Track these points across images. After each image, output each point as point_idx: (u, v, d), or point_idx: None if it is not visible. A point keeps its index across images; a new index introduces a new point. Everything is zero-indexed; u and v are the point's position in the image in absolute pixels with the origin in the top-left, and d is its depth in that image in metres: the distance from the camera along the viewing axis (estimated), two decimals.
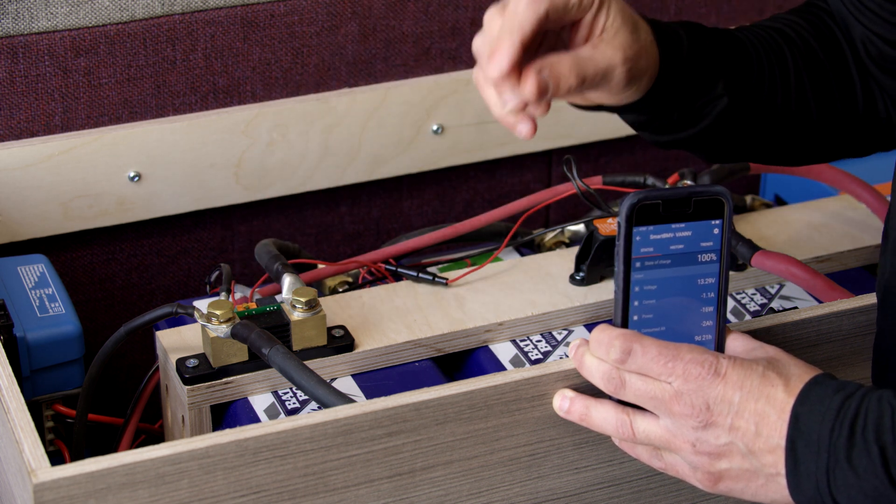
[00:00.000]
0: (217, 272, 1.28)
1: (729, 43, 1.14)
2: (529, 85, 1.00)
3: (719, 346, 1.04)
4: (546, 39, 1.05)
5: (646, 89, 1.09)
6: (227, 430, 0.98)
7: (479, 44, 1.03)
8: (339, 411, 1.00)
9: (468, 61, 1.58)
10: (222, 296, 1.23)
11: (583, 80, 1.02)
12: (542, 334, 1.26)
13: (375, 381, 1.21)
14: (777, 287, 1.33)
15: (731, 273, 1.31)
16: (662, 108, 1.11)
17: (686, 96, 1.12)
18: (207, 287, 1.34)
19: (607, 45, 1.04)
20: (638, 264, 1.00)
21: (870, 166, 1.41)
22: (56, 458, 1.25)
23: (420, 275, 1.29)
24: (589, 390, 1.04)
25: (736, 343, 1.04)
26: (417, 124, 1.55)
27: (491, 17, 1.03)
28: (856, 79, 1.17)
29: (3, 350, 1.10)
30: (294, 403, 1.18)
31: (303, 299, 1.18)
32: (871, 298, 1.12)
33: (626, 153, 1.70)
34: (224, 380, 1.18)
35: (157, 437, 1.31)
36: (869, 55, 1.15)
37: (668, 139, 1.16)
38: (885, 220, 1.09)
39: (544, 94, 1.00)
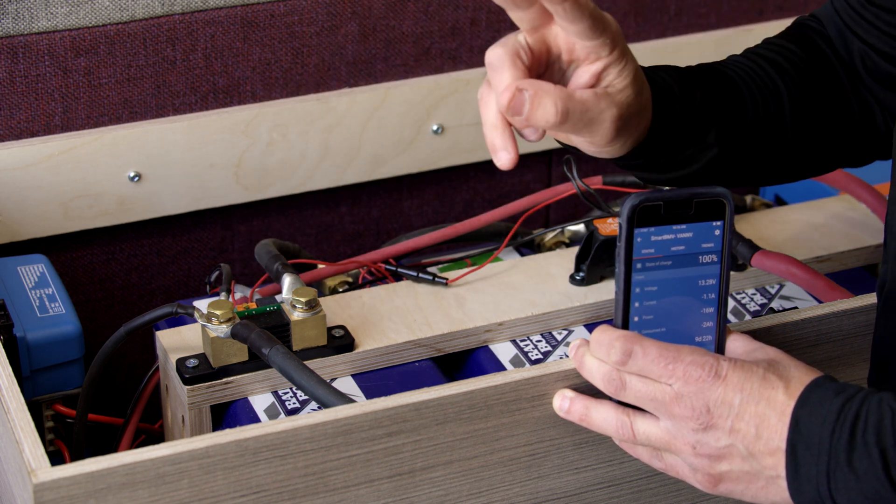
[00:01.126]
0: (217, 272, 1.28)
1: (720, 87, 1.10)
2: (503, 98, 0.94)
3: (720, 347, 1.04)
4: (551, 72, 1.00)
5: (632, 146, 1.05)
6: (227, 430, 0.98)
7: (494, 57, 0.96)
8: (339, 411, 1.00)
9: (468, 61, 1.58)
10: (222, 296, 1.23)
11: (565, 119, 0.95)
12: (542, 334, 1.26)
13: (375, 381, 1.21)
14: (777, 287, 1.33)
15: (731, 273, 1.31)
16: (648, 158, 1.08)
17: (674, 149, 1.08)
18: (207, 287, 1.34)
19: (607, 98, 0.98)
20: (639, 265, 0.99)
21: (870, 166, 1.41)
22: (56, 458, 1.25)
23: (420, 275, 1.29)
24: (589, 390, 1.04)
25: (736, 344, 1.04)
26: (417, 124, 1.55)
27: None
28: (851, 98, 1.16)
29: (3, 350, 1.10)
30: (294, 403, 1.18)
31: (303, 299, 1.18)
32: (871, 298, 1.12)
33: None
34: (224, 380, 1.18)
35: (157, 437, 1.31)
36: (867, 70, 1.14)
37: (653, 178, 1.13)
38: (885, 225, 1.09)
39: (517, 114, 0.94)
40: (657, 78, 1.06)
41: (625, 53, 0.99)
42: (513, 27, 1.00)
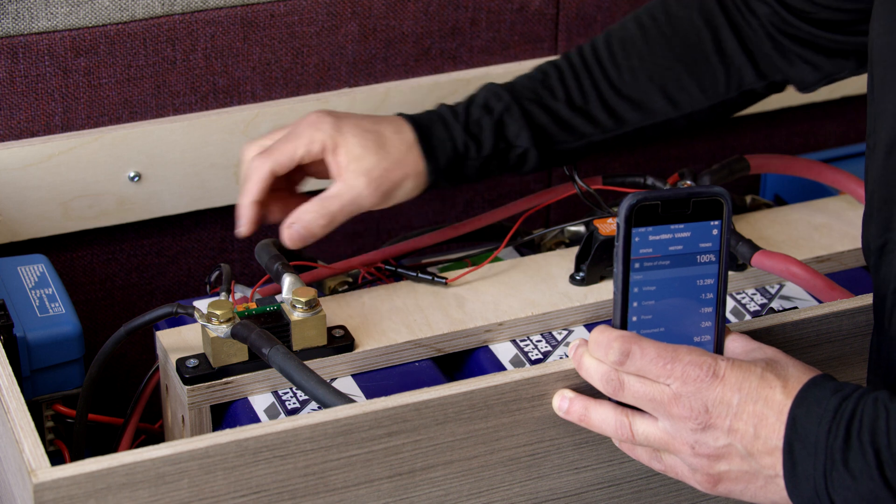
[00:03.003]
0: (217, 272, 1.28)
1: (536, 88, 1.28)
2: (287, 240, 1.20)
3: (718, 347, 1.04)
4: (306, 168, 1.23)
5: (433, 180, 1.24)
6: (227, 430, 0.98)
7: (250, 170, 1.21)
8: (339, 411, 1.00)
9: (468, 61, 1.58)
10: (222, 296, 1.23)
11: (332, 219, 1.20)
12: (542, 334, 1.26)
13: (375, 381, 1.21)
14: (777, 287, 1.33)
15: (731, 273, 1.31)
16: (463, 180, 1.27)
17: (485, 163, 1.27)
18: (207, 287, 1.34)
19: (351, 174, 1.20)
20: (637, 265, 1.00)
21: None
22: (56, 458, 1.25)
23: (420, 275, 1.29)
24: (588, 391, 1.04)
25: (735, 344, 1.04)
26: None
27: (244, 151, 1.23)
28: (716, 65, 1.28)
29: (3, 350, 1.10)
30: (294, 403, 1.18)
31: (303, 299, 1.19)
32: (870, 298, 1.12)
33: (626, 153, 1.70)
34: (224, 380, 1.18)
35: (157, 437, 1.32)
36: (778, 29, 1.25)
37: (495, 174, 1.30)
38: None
39: (303, 243, 1.20)
40: (434, 115, 1.27)
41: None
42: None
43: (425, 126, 1.25)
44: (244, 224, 1.21)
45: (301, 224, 1.20)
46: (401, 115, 1.26)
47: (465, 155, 1.25)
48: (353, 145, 1.21)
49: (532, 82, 1.30)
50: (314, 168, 1.25)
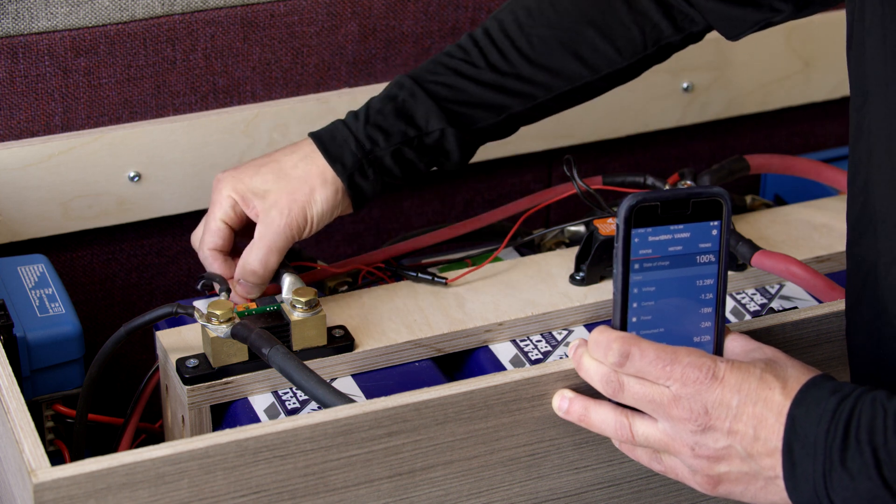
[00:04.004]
0: (202, 280, 1.27)
1: (439, 70, 1.26)
2: (240, 297, 1.23)
3: (718, 347, 1.04)
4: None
5: (349, 184, 1.24)
6: (227, 430, 0.98)
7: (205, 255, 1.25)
8: (339, 411, 1.00)
9: None
10: (222, 296, 1.23)
11: (265, 263, 1.21)
12: (542, 334, 1.26)
13: (375, 381, 1.21)
14: (777, 287, 1.33)
15: (731, 273, 1.31)
16: (391, 179, 1.27)
17: (400, 155, 1.25)
18: (206, 291, 1.34)
19: (264, 213, 1.22)
20: (636, 266, 0.99)
21: None
22: (56, 458, 1.25)
23: (420, 275, 1.29)
24: (588, 391, 1.04)
25: (735, 344, 1.04)
26: None
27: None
28: (630, 24, 1.26)
29: (3, 350, 1.10)
30: (294, 403, 1.18)
31: (303, 299, 1.19)
32: None
33: (626, 153, 1.70)
34: (224, 380, 1.18)
35: (157, 437, 1.32)
36: None
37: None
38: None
39: (257, 293, 1.23)
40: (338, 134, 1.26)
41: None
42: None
43: (326, 133, 1.25)
44: (235, 298, 1.24)
45: (243, 277, 1.22)
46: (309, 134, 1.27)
47: (373, 149, 1.24)
48: (256, 187, 1.22)
49: (435, 65, 1.27)
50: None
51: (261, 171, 1.23)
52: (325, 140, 1.24)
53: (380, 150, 1.24)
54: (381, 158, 1.24)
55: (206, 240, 1.24)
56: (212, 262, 1.24)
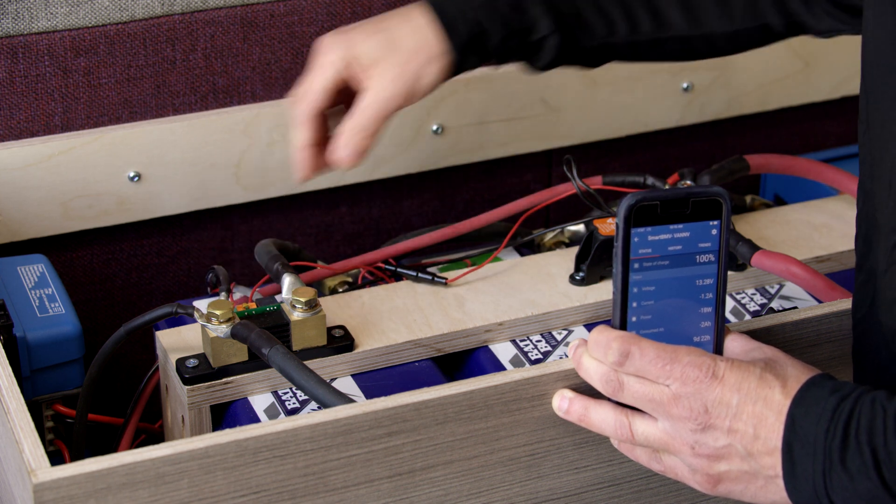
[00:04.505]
0: (211, 274, 1.27)
1: None
2: (343, 164, 1.19)
3: (718, 347, 1.04)
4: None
5: (458, 58, 1.21)
6: (227, 430, 0.98)
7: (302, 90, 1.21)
8: (339, 411, 1.00)
9: None
10: (222, 296, 1.23)
11: (370, 131, 1.18)
12: (542, 334, 1.26)
13: (375, 381, 1.21)
14: (777, 287, 1.33)
15: (731, 273, 1.31)
16: (486, 57, 1.23)
17: (506, 41, 1.23)
18: (208, 288, 1.34)
19: (374, 80, 1.19)
20: (636, 265, 1.00)
21: None
22: (56, 458, 1.25)
23: (420, 275, 1.29)
24: (588, 391, 1.04)
25: (734, 343, 1.04)
26: (417, 124, 1.55)
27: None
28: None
29: (3, 350, 1.10)
30: (294, 403, 1.18)
31: (303, 299, 1.19)
32: None
33: (626, 153, 1.70)
34: (224, 380, 1.18)
35: (157, 437, 1.32)
36: None
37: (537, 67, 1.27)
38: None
39: (358, 160, 1.19)
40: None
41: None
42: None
43: (437, 5, 1.22)
44: (299, 170, 1.21)
45: (345, 144, 1.19)
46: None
47: (483, 32, 1.22)
48: (368, 52, 1.19)
49: None
50: (347, 96, 1.23)
51: (372, 37, 1.20)
52: (438, 10, 1.22)
53: (489, 36, 1.22)
54: (488, 43, 1.22)
55: (309, 98, 1.21)
56: (301, 125, 1.21)
